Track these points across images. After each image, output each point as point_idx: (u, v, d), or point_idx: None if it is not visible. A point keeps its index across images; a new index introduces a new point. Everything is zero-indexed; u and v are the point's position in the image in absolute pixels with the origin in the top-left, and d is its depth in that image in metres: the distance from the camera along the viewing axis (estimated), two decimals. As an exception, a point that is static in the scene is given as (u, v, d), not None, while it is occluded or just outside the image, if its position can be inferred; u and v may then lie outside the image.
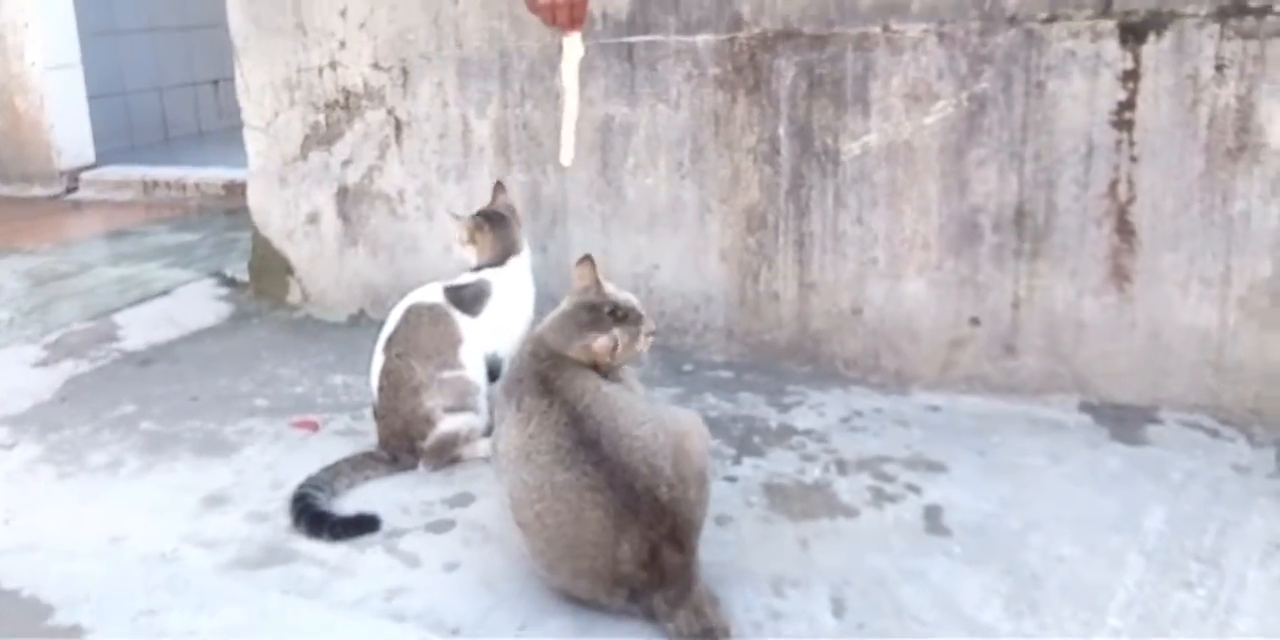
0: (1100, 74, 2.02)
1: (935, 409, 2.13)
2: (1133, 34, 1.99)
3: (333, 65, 2.72)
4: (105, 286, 3.09)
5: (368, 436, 1.99)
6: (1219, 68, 1.94)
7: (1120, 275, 2.07)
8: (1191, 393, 2.05)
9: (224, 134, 5.05)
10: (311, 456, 1.94)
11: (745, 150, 2.32)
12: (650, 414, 1.49)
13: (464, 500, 1.82)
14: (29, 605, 1.55)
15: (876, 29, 2.16)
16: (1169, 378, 2.06)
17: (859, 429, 2.05)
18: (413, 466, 1.91)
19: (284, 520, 1.75)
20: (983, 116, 2.11)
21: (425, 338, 1.91)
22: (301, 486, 1.80)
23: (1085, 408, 2.09)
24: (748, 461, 1.92)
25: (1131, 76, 2.00)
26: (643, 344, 1.59)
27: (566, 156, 1.90)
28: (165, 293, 3.00)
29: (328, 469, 1.86)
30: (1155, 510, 1.71)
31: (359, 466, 1.89)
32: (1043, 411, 2.08)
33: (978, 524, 1.69)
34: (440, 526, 1.74)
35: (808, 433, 2.03)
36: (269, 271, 2.94)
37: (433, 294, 1.95)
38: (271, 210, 2.91)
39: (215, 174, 4.35)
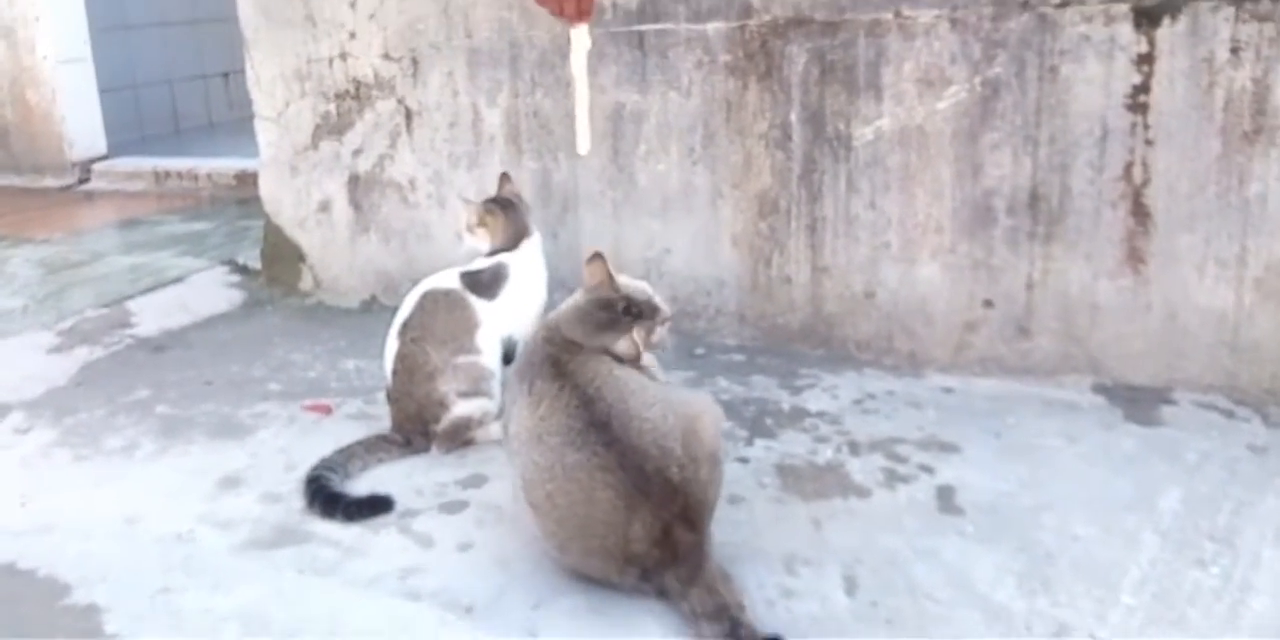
0: (1115, 57, 2.01)
1: (949, 391, 2.13)
2: (1147, 17, 1.98)
3: (343, 56, 2.72)
4: (118, 274, 3.11)
5: (380, 420, 1.99)
6: (1234, 50, 1.94)
7: (1135, 257, 2.06)
8: (1207, 374, 2.04)
9: (234, 125, 5.07)
10: (325, 439, 1.95)
11: (757, 136, 2.31)
12: (660, 396, 1.50)
13: (477, 481, 1.82)
14: (46, 584, 1.56)
15: (888, 15, 2.16)
16: (1184, 359, 2.06)
17: (872, 411, 2.05)
18: (426, 449, 1.92)
19: (298, 501, 1.76)
20: (996, 101, 2.10)
21: (441, 323, 1.91)
22: (315, 468, 1.81)
23: (1100, 389, 2.08)
24: (760, 443, 1.92)
25: (1146, 60, 1.99)
26: (661, 334, 1.59)
27: (583, 145, 1.90)
28: (178, 280, 3.01)
29: (341, 451, 1.87)
30: (1170, 490, 1.70)
31: (372, 449, 1.90)
32: (1057, 393, 2.08)
33: (991, 504, 1.69)
34: (453, 507, 1.74)
35: (820, 415, 2.03)
36: (281, 259, 2.95)
37: (448, 280, 1.95)
38: (283, 199, 2.92)
39: (226, 164, 4.36)
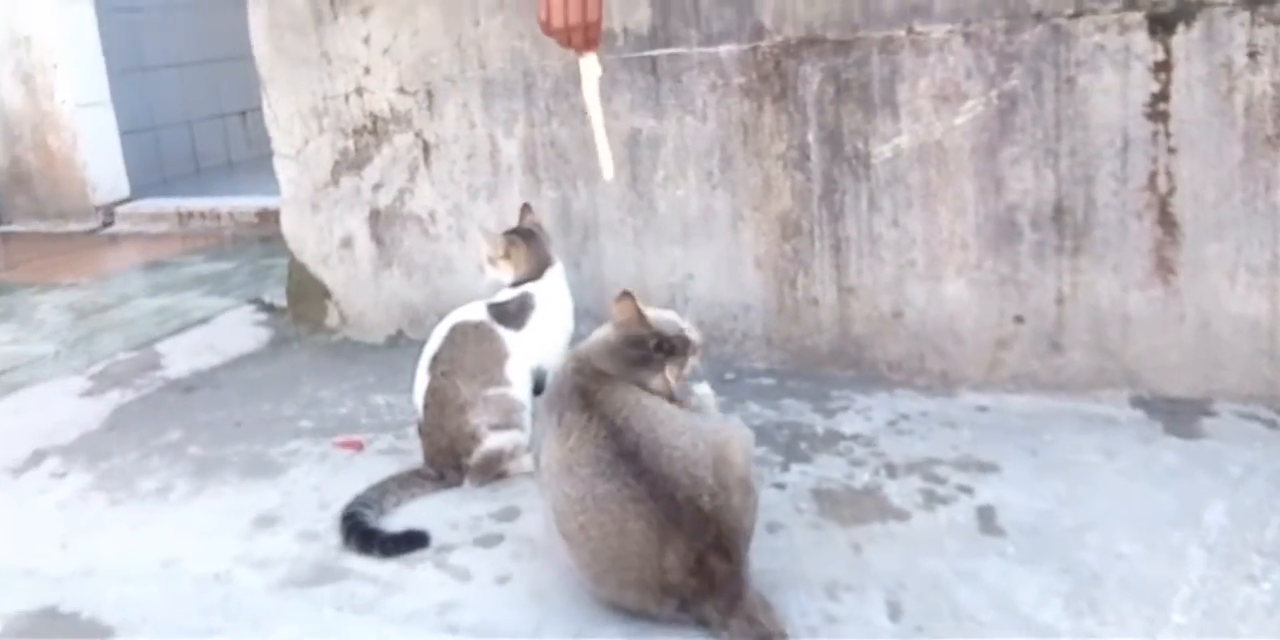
0: (1131, 66, 2.00)
1: (983, 409, 2.11)
2: (1161, 25, 1.98)
3: (359, 91, 2.75)
4: (146, 317, 3.13)
5: (412, 455, 1.99)
6: (1252, 55, 1.92)
7: (1165, 268, 2.04)
8: (1246, 383, 2.01)
9: (253, 163, 5.12)
10: (358, 476, 1.95)
11: (775, 157, 2.31)
12: (690, 424, 1.49)
13: (511, 514, 1.82)
14: (89, 628, 1.57)
15: (901, 31, 2.16)
16: (1222, 369, 2.03)
17: (906, 432, 2.03)
18: (458, 483, 1.92)
19: (334, 539, 1.76)
20: (1014, 114, 2.10)
21: (470, 356, 1.91)
22: (350, 505, 1.81)
23: (1137, 402, 2.06)
24: (795, 468, 1.91)
25: (1163, 67, 1.98)
26: (693, 364, 1.59)
27: (608, 171, 1.89)
28: (205, 321, 3.03)
29: (375, 487, 1.87)
30: (1215, 504, 1.68)
31: (406, 484, 1.89)
32: (1093, 408, 2.06)
33: (1032, 524, 1.66)
34: (489, 541, 1.74)
35: (855, 437, 2.02)
36: (306, 296, 2.97)
37: (476, 312, 1.96)
38: (306, 236, 2.94)
39: (248, 202, 4.40)
